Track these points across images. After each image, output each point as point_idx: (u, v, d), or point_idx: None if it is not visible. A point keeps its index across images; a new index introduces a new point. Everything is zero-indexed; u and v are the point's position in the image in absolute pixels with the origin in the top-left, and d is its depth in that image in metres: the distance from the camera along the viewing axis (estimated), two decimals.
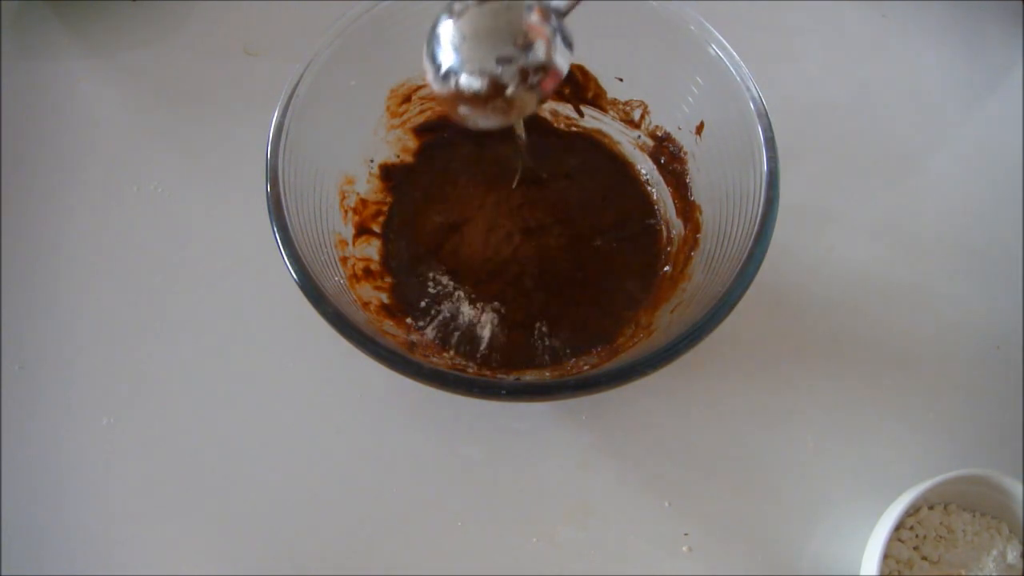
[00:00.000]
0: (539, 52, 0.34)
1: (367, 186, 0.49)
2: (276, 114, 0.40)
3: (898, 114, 0.58)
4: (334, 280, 0.42)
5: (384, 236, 0.49)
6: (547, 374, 0.46)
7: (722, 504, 0.46)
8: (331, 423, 0.47)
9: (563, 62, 0.35)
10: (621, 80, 0.48)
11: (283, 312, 0.47)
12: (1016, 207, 0.55)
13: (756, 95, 0.41)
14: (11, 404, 0.48)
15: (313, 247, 0.41)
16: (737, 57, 0.41)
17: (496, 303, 0.47)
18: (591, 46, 0.38)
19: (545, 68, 0.34)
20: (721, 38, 0.42)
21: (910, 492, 0.43)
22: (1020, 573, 0.42)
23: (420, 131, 0.51)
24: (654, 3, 0.43)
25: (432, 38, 0.35)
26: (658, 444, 0.47)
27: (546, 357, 0.46)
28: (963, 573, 0.42)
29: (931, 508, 0.44)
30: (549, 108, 0.52)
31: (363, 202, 0.48)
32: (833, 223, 0.54)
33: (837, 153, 0.56)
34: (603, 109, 0.50)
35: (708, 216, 0.45)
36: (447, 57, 0.34)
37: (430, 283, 0.48)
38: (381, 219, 0.50)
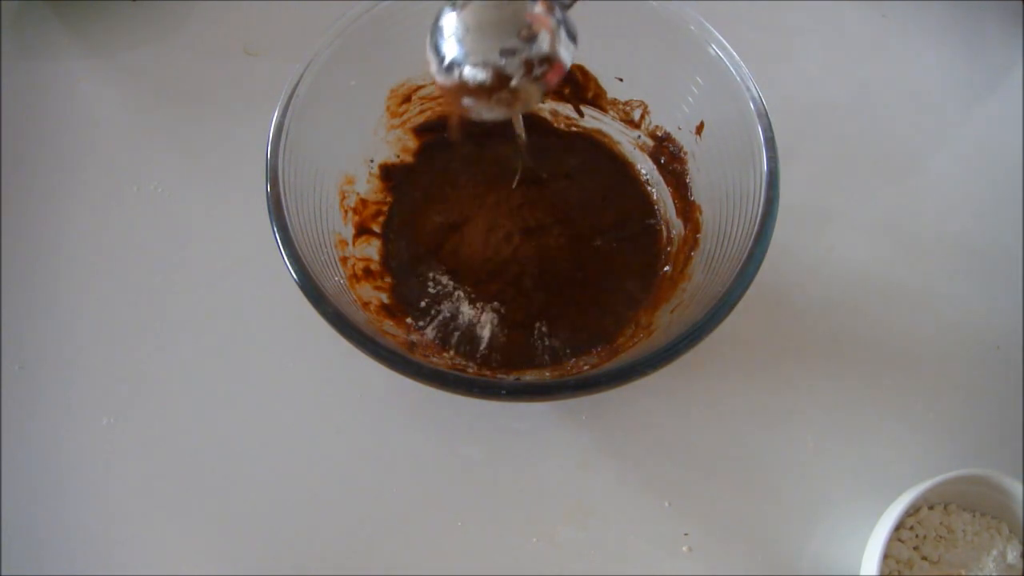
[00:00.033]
0: (543, 44, 0.34)
1: (367, 186, 0.49)
2: (276, 114, 0.40)
3: (898, 114, 0.58)
4: (334, 280, 0.42)
5: (384, 236, 0.49)
6: (547, 374, 0.46)
7: (722, 504, 0.46)
8: (331, 423, 0.47)
9: (567, 55, 0.35)
10: (621, 80, 0.48)
11: (283, 312, 0.47)
12: (1016, 207, 0.55)
13: (756, 95, 0.41)
14: (11, 404, 0.48)
15: (313, 247, 0.41)
16: (737, 57, 0.41)
17: (496, 303, 0.47)
18: (591, 46, 0.38)
19: (549, 60, 0.34)
20: (721, 38, 0.42)
21: (910, 492, 0.43)
22: (1020, 573, 0.42)
23: (420, 131, 0.51)
24: (654, 3, 0.43)
25: (435, 30, 0.35)
26: (658, 444, 0.47)
27: (546, 357, 0.46)
28: (963, 573, 0.42)
29: (931, 508, 0.44)
30: (549, 108, 0.52)
31: (363, 202, 0.48)
32: (833, 223, 0.54)
33: (837, 153, 0.56)
34: (603, 109, 0.50)
35: (708, 216, 0.45)
36: (451, 48, 0.34)
37: (430, 283, 0.48)
38: (381, 219, 0.50)
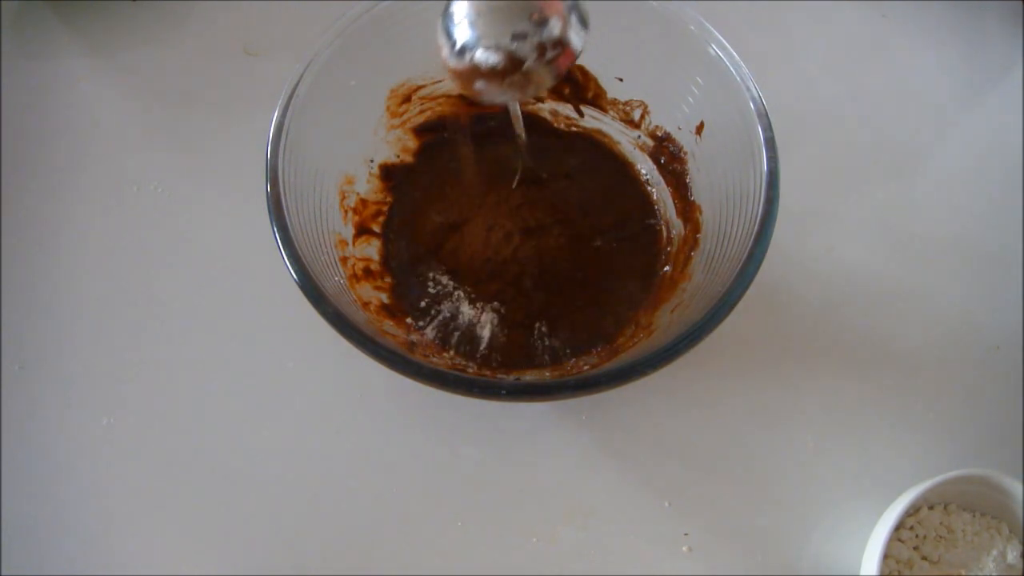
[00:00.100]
0: (554, 28, 0.34)
1: (367, 186, 0.49)
2: (276, 114, 0.40)
3: (898, 114, 0.58)
4: (334, 280, 0.42)
5: (384, 236, 0.49)
6: (547, 374, 0.46)
7: (722, 504, 0.46)
8: (331, 423, 0.47)
9: (578, 39, 0.36)
10: (621, 80, 0.48)
11: (283, 312, 0.47)
12: (1016, 207, 0.55)
13: (756, 95, 0.41)
14: (11, 404, 0.48)
15: (313, 247, 0.41)
16: (737, 57, 0.41)
17: (496, 303, 0.47)
18: (591, 46, 0.38)
19: (561, 44, 0.35)
20: (721, 38, 0.42)
21: (910, 492, 0.43)
22: (1020, 573, 0.42)
23: (420, 131, 0.51)
24: (654, 3, 0.43)
25: (446, 14, 0.35)
26: (658, 444, 0.47)
27: (546, 357, 0.46)
28: (963, 573, 0.42)
29: (931, 508, 0.44)
30: (549, 108, 0.52)
31: (363, 202, 0.48)
32: (833, 223, 0.54)
33: (837, 153, 0.56)
34: (603, 109, 0.50)
35: (708, 216, 0.45)
36: (462, 32, 0.35)
37: (430, 283, 0.48)
38: (381, 219, 0.50)
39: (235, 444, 0.47)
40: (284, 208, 0.39)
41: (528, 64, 0.34)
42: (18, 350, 0.49)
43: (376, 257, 0.48)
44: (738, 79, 0.41)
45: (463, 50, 0.35)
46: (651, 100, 0.48)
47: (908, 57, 0.60)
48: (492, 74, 0.35)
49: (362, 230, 0.48)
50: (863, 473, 0.47)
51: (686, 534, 0.45)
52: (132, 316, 0.50)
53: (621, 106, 0.49)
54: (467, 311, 0.47)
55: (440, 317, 0.47)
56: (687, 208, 0.47)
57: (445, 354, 0.46)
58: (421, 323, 0.47)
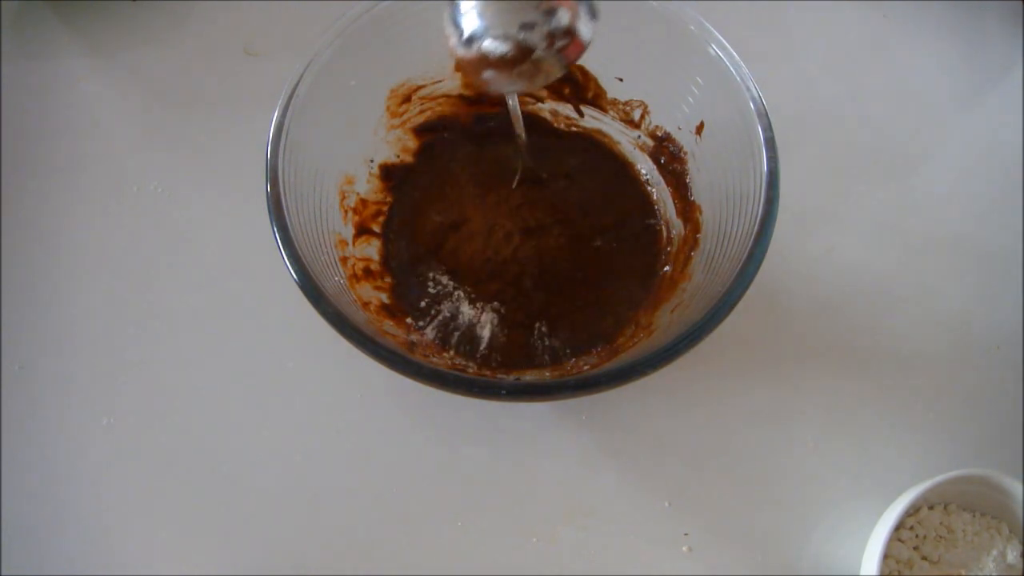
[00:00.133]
0: (563, 18, 0.34)
1: (367, 186, 0.49)
2: (276, 114, 0.40)
3: (898, 114, 0.58)
4: (334, 280, 0.42)
5: (384, 236, 0.49)
6: (547, 374, 0.46)
7: (722, 504, 0.46)
8: (331, 423, 0.47)
9: (587, 30, 0.35)
10: (621, 80, 0.48)
11: (283, 312, 0.47)
12: (1016, 207, 0.55)
13: (756, 95, 0.41)
14: (11, 404, 0.48)
15: (313, 247, 0.41)
16: (737, 57, 0.41)
17: (496, 303, 0.47)
18: (591, 46, 0.38)
19: (570, 33, 0.35)
20: (721, 38, 0.42)
21: (910, 492, 0.43)
22: (1020, 573, 0.42)
23: (420, 131, 0.51)
24: (654, 3, 0.43)
25: (453, 4, 0.35)
26: (658, 444, 0.47)
27: (546, 357, 0.46)
28: (963, 573, 0.42)
29: (931, 508, 0.44)
30: (549, 108, 0.52)
31: (363, 202, 0.48)
32: (833, 223, 0.54)
33: (837, 153, 0.56)
34: (603, 109, 0.50)
35: (708, 216, 0.45)
36: (470, 21, 0.35)
37: (430, 283, 0.48)
38: (381, 219, 0.50)
39: (235, 444, 0.47)
40: (284, 208, 0.39)
41: (537, 53, 0.34)
42: (18, 350, 0.49)
43: (376, 257, 0.48)
44: (738, 79, 0.41)
45: (471, 39, 0.35)
46: (651, 100, 0.48)
47: (908, 57, 0.60)
48: (501, 63, 0.35)
49: (362, 230, 0.48)
50: (863, 473, 0.47)
51: (686, 534, 0.45)
52: (132, 316, 0.50)
53: (621, 106, 0.49)
54: (467, 311, 0.47)
55: (440, 317, 0.47)
56: (687, 208, 0.47)
57: (445, 354, 0.46)
58: (421, 323, 0.47)
